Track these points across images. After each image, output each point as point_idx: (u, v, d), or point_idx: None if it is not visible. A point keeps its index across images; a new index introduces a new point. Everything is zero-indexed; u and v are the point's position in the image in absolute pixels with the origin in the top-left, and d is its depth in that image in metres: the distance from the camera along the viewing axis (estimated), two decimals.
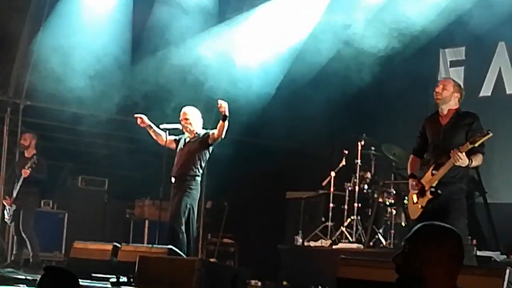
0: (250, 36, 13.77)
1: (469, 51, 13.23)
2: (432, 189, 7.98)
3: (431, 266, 3.31)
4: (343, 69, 12.67)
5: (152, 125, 10.59)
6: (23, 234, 12.62)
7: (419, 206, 8.09)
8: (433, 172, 8.03)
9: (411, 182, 8.27)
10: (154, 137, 10.67)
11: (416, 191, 8.15)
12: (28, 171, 12.46)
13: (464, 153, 7.70)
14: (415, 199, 8.19)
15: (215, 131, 10.16)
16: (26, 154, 12.92)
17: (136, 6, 13.62)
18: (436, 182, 7.97)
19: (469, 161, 7.77)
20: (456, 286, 3.35)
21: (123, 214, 15.15)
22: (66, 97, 13.32)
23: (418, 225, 3.43)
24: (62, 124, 14.24)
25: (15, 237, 12.92)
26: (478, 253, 10.39)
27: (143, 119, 10.59)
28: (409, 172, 8.44)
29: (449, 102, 8.15)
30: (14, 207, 12.68)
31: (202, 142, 10.34)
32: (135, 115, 10.68)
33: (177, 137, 10.61)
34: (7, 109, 14.25)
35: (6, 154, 13.99)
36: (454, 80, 8.56)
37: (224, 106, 9.91)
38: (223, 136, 10.19)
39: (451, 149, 7.79)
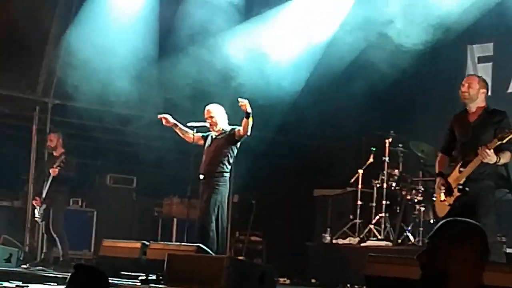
0: (278, 32, 13.73)
1: (497, 47, 13.15)
2: (460, 187, 7.96)
3: (455, 264, 3.27)
4: (371, 65, 12.62)
5: (178, 123, 10.63)
6: (53, 233, 12.68)
7: (447, 204, 8.06)
8: (461, 169, 8.01)
9: (438, 180, 8.24)
10: (181, 135, 10.70)
11: (443, 190, 8.12)
12: (57, 170, 12.50)
13: (492, 150, 7.68)
14: (442, 197, 8.16)
15: (241, 128, 10.17)
16: (54, 153, 12.98)
17: (162, 3, 13.65)
18: (464, 179, 7.94)
19: (497, 158, 7.74)
20: (482, 283, 3.31)
21: (152, 212, 15.21)
22: (94, 95, 13.38)
23: (442, 222, 3.40)
24: (90, 123, 14.31)
25: (45, 235, 13.00)
26: (508, 250, 10.33)
27: (167, 119, 10.63)
28: (437, 170, 8.41)
29: (476, 100, 8.12)
30: (44, 206, 12.75)
31: (229, 138, 10.36)
32: (159, 116, 10.73)
33: (204, 134, 10.63)
34: (36, 108, 14.35)
35: (36, 153, 14.09)
36: (478, 76, 8.55)
37: (244, 103, 9.92)
38: (248, 133, 10.19)
39: (479, 146, 7.76)
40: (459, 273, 3.27)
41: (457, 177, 8.02)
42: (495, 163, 7.81)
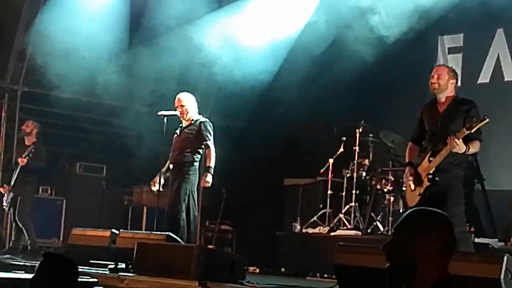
0: (250, 21, 13.71)
1: (467, 38, 13.23)
2: (430, 176, 7.99)
3: (421, 254, 3.27)
4: (341, 55, 12.64)
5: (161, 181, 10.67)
6: (18, 223, 12.62)
7: (417, 194, 8.10)
8: (430, 159, 8.04)
9: (407, 170, 8.27)
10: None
11: (412, 179, 8.15)
12: (25, 160, 12.45)
13: (461, 140, 7.72)
14: (412, 187, 8.19)
15: (207, 151, 10.32)
16: (26, 142, 12.90)
17: None
18: (433, 169, 7.98)
19: (466, 148, 7.78)
20: (447, 272, 3.32)
21: (121, 200, 15.15)
22: (64, 83, 13.28)
23: (408, 212, 3.41)
24: (59, 111, 14.21)
25: (13, 224, 12.92)
26: (476, 240, 10.40)
27: (155, 187, 10.66)
28: (407, 159, 8.44)
29: (446, 90, 8.16)
30: (11, 194, 12.67)
31: (198, 134, 10.34)
32: (151, 182, 10.71)
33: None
34: (5, 95, 14.23)
35: (5, 141, 13.99)
36: (448, 67, 8.60)
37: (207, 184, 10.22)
38: (212, 153, 10.37)
39: (449, 136, 7.80)
40: (425, 263, 3.27)
41: (426, 167, 8.05)
42: (464, 152, 7.85)
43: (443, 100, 8.17)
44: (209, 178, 10.19)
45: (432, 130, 8.20)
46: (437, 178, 7.96)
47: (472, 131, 7.69)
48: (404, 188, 11.27)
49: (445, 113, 8.13)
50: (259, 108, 13.98)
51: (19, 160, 12.50)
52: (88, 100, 14.12)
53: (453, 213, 7.60)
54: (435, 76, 8.17)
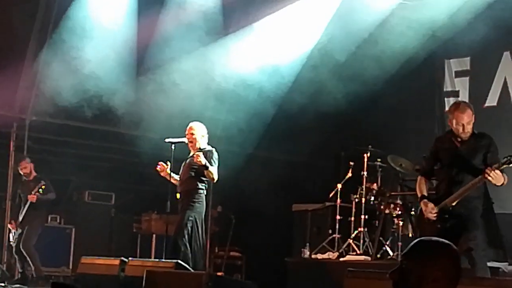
0: (255, 46, 13.77)
1: (474, 62, 13.23)
2: (451, 208, 7.98)
3: (426, 283, 3.28)
4: (349, 80, 12.68)
5: (172, 174, 10.64)
6: (23, 251, 12.62)
7: (437, 225, 8.05)
8: (453, 191, 8.01)
9: (428, 205, 8.14)
10: (173, 181, 10.72)
11: (436, 214, 8.07)
12: (35, 196, 12.52)
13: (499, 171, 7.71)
14: (432, 218, 8.12)
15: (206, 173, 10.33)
16: (27, 178, 12.97)
17: (141, 20, 13.63)
18: (457, 201, 7.96)
19: (503, 179, 7.80)
20: None
21: (130, 228, 15.15)
22: (72, 111, 13.33)
23: (415, 241, 3.42)
24: (68, 139, 14.26)
25: (16, 256, 12.90)
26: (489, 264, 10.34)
27: (165, 169, 10.61)
28: (419, 193, 8.35)
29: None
30: (19, 231, 12.72)
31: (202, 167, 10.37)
32: (159, 163, 10.71)
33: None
34: (13, 124, 14.27)
35: (13, 171, 14.02)
36: (469, 106, 8.36)
37: (199, 159, 10.10)
38: (215, 180, 10.39)
39: (470, 170, 7.82)
40: None
41: (449, 199, 8.02)
42: (502, 184, 7.84)
43: (464, 137, 8.13)
44: (202, 157, 10.18)
45: (450, 164, 8.14)
46: (462, 210, 7.94)
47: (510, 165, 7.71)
48: (412, 213, 11.29)
49: (464, 147, 8.08)
50: (267, 134, 14.00)
51: (30, 197, 12.57)
52: (96, 128, 14.16)
53: (474, 236, 7.61)
54: (470, 124, 8.05)
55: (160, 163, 10.65)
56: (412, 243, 3.40)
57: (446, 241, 3.39)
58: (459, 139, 8.12)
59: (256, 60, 13.62)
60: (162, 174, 10.64)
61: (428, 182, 8.46)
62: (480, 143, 8.09)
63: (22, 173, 13.06)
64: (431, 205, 8.10)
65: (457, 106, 8.22)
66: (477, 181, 7.83)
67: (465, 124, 8.04)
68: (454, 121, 8.08)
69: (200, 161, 10.14)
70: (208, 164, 10.20)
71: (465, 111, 8.11)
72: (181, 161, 10.69)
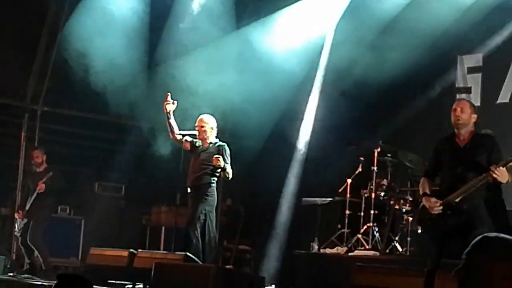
0: (269, 38, 13.77)
1: (487, 58, 13.17)
2: (455, 204, 7.96)
3: (497, 277, 3.22)
4: (360, 75, 12.65)
5: (172, 116, 10.53)
6: (30, 244, 12.64)
7: (440, 222, 8.04)
8: (458, 187, 8.00)
9: (432, 200, 8.12)
10: (168, 127, 10.58)
11: (441, 208, 8.06)
12: (44, 185, 12.53)
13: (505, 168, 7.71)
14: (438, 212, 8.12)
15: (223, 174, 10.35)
16: (37, 169, 12.98)
17: (153, 12, 13.64)
18: (460, 198, 7.94)
19: (509, 177, 7.80)
20: None
21: (140, 220, 15.16)
22: (84, 102, 13.35)
23: (480, 237, 3.36)
24: (79, 130, 14.29)
25: (22, 248, 12.91)
26: None
27: (170, 105, 10.51)
28: (422, 192, 8.34)
29: (468, 125, 8.12)
30: (25, 220, 12.73)
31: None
32: (167, 94, 10.60)
33: (193, 140, 10.59)
34: (25, 115, 14.31)
35: (24, 161, 14.05)
36: (469, 101, 8.48)
37: (217, 160, 10.09)
38: (230, 178, 10.38)
39: (473, 169, 7.81)
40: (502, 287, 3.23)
41: (453, 196, 8.01)
42: (507, 181, 7.83)
43: (463, 134, 8.12)
44: (222, 161, 10.16)
45: (453, 164, 8.13)
46: (465, 207, 7.93)
47: None
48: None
49: (467, 147, 8.08)
50: (277, 128, 13.99)
51: (39, 186, 12.57)
52: (107, 119, 14.18)
53: (480, 232, 7.59)
54: (458, 109, 8.10)
55: (170, 100, 10.55)
56: (477, 240, 3.34)
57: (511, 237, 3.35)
58: (461, 138, 8.12)
59: (270, 49, 13.61)
60: (167, 106, 10.48)
61: (432, 183, 8.43)
62: (483, 143, 8.09)
63: (33, 162, 13.07)
64: (433, 199, 8.08)
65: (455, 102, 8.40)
66: (482, 179, 7.82)
67: (458, 110, 8.07)
68: (452, 114, 8.13)
69: (219, 165, 10.12)
70: (226, 166, 10.18)
71: (460, 101, 8.40)
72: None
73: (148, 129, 13.94)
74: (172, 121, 10.52)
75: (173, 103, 10.47)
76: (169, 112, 10.48)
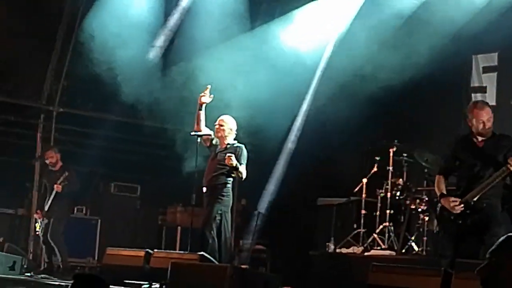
0: (283, 41, 13.78)
1: (502, 57, 13.13)
2: (472, 203, 7.95)
3: None
4: (375, 75, 12.63)
5: (204, 109, 10.56)
6: (51, 242, 12.70)
7: (459, 222, 8.03)
8: (475, 187, 7.99)
9: (451, 200, 8.09)
10: (196, 119, 10.53)
11: (460, 209, 8.04)
12: (61, 186, 12.58)
13: None
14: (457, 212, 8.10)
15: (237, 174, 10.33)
16: (53, 169, 13.02)
17: (167, 10, 13.66)
18: (478, 197, 7.93)
19: None
20: None
21: (156, 220, 15.20)
22: (98, 103, 13.39)
23: (504, 237, 3.36)
24: (94, 131, 14.33)
25: (43, 246, 12.98)
26: None
27: (206, 98, 10.52)
28: (439, 192, 8.32)
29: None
30: (46, 221, 12.79)
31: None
32: (207, 91, 10.53)
33: (213, 138, 10.58)
34: (41, 116, 14.37)
35: (40, 161, 14.10)
36: (489, 106, 8.44)
37: (229, 159, 10.06)
38: (243, 179, 10.36)
39: (492, 167, 7.81)
40: None
41: (470, 195, 8.00)
42: None
43: (484, 137, 8.13)
44: (234, 160, 10.13)
45: (473, 163, 8.12)
46: (483, 205, 7.92)
47: None
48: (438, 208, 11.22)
49: (486, 147, 8.08)
50: (292, 128, 13.99)
51: (55, 186, 12.62)
52: (122, 120, 14.22)
53: (495, 231, 7.58)
54: (485, 120, 8.07)
55: (208, 89, 10.49)
56: (502, 239, 3.34)
57: None
58: (480, 139, 8.10)
59: (283, 52, 13.61)
60: (202, 100, 10.41)
61: (447, 180, 8.42)
62: (502, 143, 8.09)
63: (48, 163, 13.12)
64: (452, 198, 8.07)
65: (475, 104, 8.37)
66: (500, 173, 7.81)
67: (485, 121, 8.06)
68: (474, 120, 8.10)
69: (231, 164, 10.12)
70: (238, 165, 10.17)
71: (484, 108, 8.22)
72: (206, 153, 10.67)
73: (163, 129, 13.97)
74: (202, 113, 10.51)
75: (209, 97, 10.48)
76: (202, 104, 10.49)
